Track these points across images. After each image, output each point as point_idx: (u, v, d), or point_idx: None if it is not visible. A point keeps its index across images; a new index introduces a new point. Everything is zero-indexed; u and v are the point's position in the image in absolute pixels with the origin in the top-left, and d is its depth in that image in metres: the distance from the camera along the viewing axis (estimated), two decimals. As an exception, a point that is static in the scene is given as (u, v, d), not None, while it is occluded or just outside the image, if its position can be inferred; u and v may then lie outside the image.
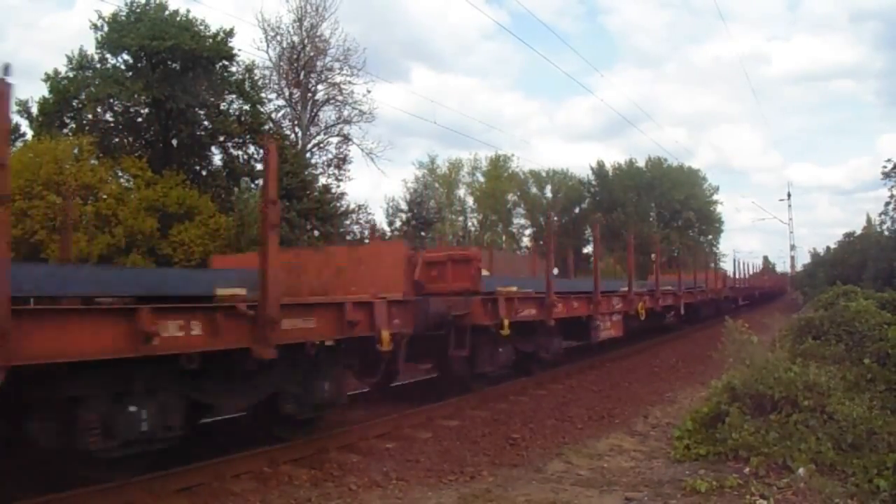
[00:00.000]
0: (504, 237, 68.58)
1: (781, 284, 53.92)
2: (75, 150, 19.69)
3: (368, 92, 34.69)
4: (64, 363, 4.42)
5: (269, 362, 5.52)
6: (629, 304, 13.40)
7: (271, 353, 5.42)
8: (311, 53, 31.83)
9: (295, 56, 31.80)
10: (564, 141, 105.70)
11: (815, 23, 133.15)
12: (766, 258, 65.58)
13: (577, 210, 66.04)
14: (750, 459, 5.94)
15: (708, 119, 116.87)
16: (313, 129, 33.06)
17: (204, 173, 25.48)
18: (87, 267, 10.77)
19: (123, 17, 23.00)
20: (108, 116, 23.95)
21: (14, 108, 23.62)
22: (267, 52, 32.56)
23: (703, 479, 5.52)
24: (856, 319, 9.65)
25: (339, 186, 31.72)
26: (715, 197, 67.73)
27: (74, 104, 22.69)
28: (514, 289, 9.39)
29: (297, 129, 32.12)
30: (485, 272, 10.10)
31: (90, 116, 22.85)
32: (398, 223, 30.76)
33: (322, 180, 30.29)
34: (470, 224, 70.47)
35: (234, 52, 24.64)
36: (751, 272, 36.70)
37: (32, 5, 75.48)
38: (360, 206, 31.25)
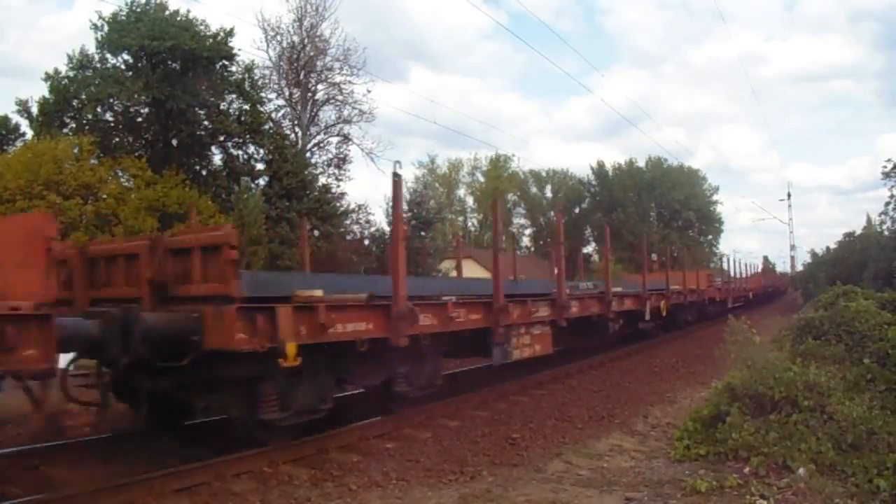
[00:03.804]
0: (504, 237, 68.55)
1: (780, 284, 51.89)
2: (75, 150, 19.70)
3: (368, 92, 34.79)
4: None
5: None
6: (560, 310, 10.18)
7: None
8: (311, 53, 31.88)
9: (295, 56, 31.84)
10: (564, 141, 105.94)
11: (813, 23, 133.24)
12: (766, 258, 65.60)
13: (577, 210, 66.12)
14: (750, 459, 5.95)
15: (707, 119, 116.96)
16: (313, 129, 33.12)
17: (204, 173, 25.49)
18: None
19: (123, 18, 23.03)
20: (108, 116, 23.99)
21: (14, 108, 23.88)
22: (267, 51, 32.64)
23: (703, 479, 5.52)
24: (856, 319, 9.65)
25: (339, 186, 31.80)
26: (715, 197, 67.92)
27: (74, 104, 22.71)
28: (318, 293, 6.08)
29: (297, 129, 32.15)
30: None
31: (90, 116, 22.87)
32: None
33: (322, 180, 30.32)
34: (470, 224, 70.57)
35: (234, 51, 24.71)
36: (746, 271, 33.60)
37: (32, 6, 75.51)
38: (360, 206, 31.30)
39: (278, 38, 31.95)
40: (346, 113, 33.55)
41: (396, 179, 6.85)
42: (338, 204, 29.35)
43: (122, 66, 23.24)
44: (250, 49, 43.17)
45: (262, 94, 28.47)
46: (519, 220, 71.35)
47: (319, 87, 32.90)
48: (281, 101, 32.19)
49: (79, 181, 18.48)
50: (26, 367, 4.33)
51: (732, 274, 28.94)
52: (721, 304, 23.67)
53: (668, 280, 16.82)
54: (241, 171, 25.40)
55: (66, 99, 22.58)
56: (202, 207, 20.79)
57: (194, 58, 22.65)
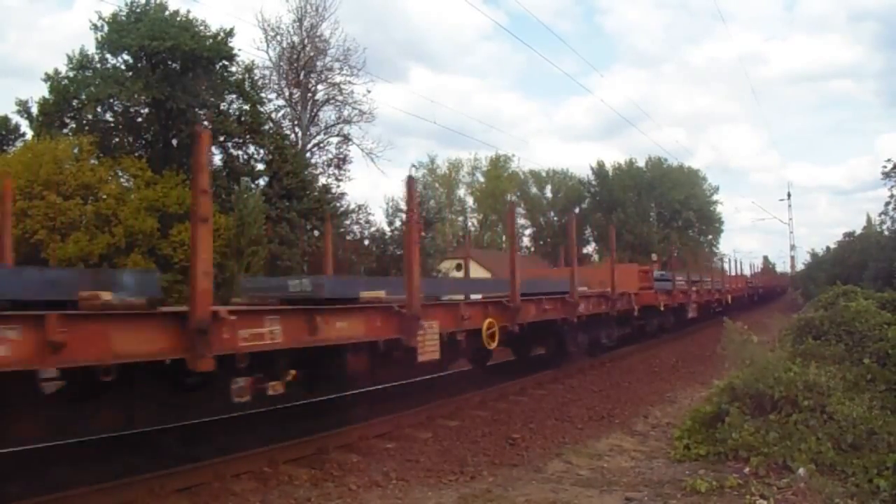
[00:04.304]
0: (504, 237, 68.54)
1: (775, 285, 46.47)
2: (75, 150, 19.70)
3: (368, 92, 34.75)
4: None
5: None
6: None
7: None
8: (311, 53, 31.85)
9: (295, 56, 31.81)
10: (563, 141, 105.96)
11: (812, 23, 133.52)
12: (766, 258, 65.64)
13: (577, 210, 66.11)
14: (750, 459, 5.95)
15: (707, 119, 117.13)
16: (313, 129, 33.07)
17: (204, 173, 25.43)
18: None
19: (123, 18, 23.01)
20: (108, 116, 23.96)
21: (14, 108, 23.87)
22: (267, 52, 32.62)
23: (703, 479, 5.52)
24: (856, 319, 9.64)
25: (339, 186, 31.76)
26: (715, 197, 67.94)
27: (74, 104, 22.70)
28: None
29: (297, 129, 32.12)
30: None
31: (90, 116, 22.85)
32: (398, 223, 30.73)
33: (322, 180, 30.30)
34: (470, 224, 70.58)
35: (234, 52, 24.67)
36: (725, 269, 27.50)
37: (32, 6, 75.55)
38: (360, 206, 31.28)
39: (278, 38, 31.95)
40: (346, 113, 33.53)
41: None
42: (338, 204, 29.35)
43: (122, 67, 23.21)
44: (250, 49, 43.20)
45: (262, 95, 28.44)
46: (519, 220, 71.37)
47: (319, 87, 32.88)
48: (281, 102, 32.17)
49: (79, 181, 18.47)
50: None
51: (705, 272, 23.20)
52: (676, 313, 17.92)
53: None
54: (241, 171, 25.37)
55: (66, 99, 22.56)
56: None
57: (194, 58, 22.63)
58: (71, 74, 23.01)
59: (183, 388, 5.72)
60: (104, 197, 19.54)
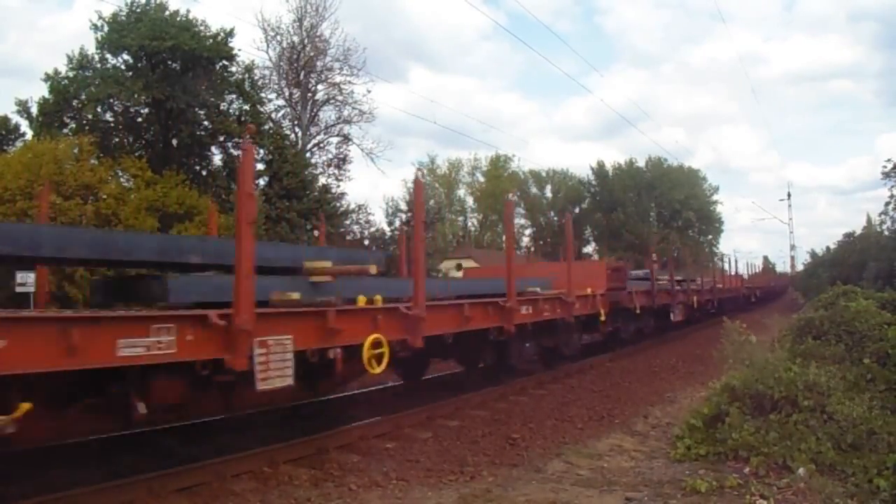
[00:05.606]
0: (504, 237, 68.52)
1: (741, 294, 28.33)
2: (75, 150, 19.70)
3: (368, 92, 34.82)
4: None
5: None
6: None
7: None
8: (311, 53, 31.91)
9: (295, 56, 31.86)
10: (563, 141, 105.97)
11: (812, 23, 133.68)
12: (766, 258, 65.55)
13: (577, 210, 66.16)
14: (750, 459, 5.94)
15: (706, 119, 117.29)
16: (313, 129, 33.14)
17: (204, 173, 25.48)
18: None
19: (123, 18, 23.04)
20: (108, 116, 23.99)
21: (14, 108, 23.90)
22: (267, 52, 32.69)
23: (703, 479, 5.52)
24: (856, 319, 9.62)
25: (339, 186, 31.84)
26: (715, 197, 68.01)
27: (74, 104, 22.72)
28: None
29: (297, 129, 32.16)
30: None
31: (90, 116, 22.87)
32: (398, 223, 30.81)
33: (322, 180, 30.35)
34: (470, 224, 70.58)
35: (234, 52, 24.71)
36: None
37: (32, 5, 75.56)
38: (359, 206, 31.33)
39: (278, 38, 32.02)
40: (346, 113, 33.61)
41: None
42: (338, 204, 29.39)
43: (122, 67, 23.24)
44: (250, 49, 43.31)
45: (262, 95, 28.53)
46: (519, 220, 71.32)
47: (319, 87, 32.96)
48: (281, 102, 32.26)
49: (79, 181, 18.46)
50: None
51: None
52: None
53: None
54: (241, 171, 25.37)
55: (66, 99, 22.58)
56: (202, 208, 20.78)
57: (194, 58, 22.65)
58: (71, 74, 23.04)
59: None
60: (104, 197, 19.52)
